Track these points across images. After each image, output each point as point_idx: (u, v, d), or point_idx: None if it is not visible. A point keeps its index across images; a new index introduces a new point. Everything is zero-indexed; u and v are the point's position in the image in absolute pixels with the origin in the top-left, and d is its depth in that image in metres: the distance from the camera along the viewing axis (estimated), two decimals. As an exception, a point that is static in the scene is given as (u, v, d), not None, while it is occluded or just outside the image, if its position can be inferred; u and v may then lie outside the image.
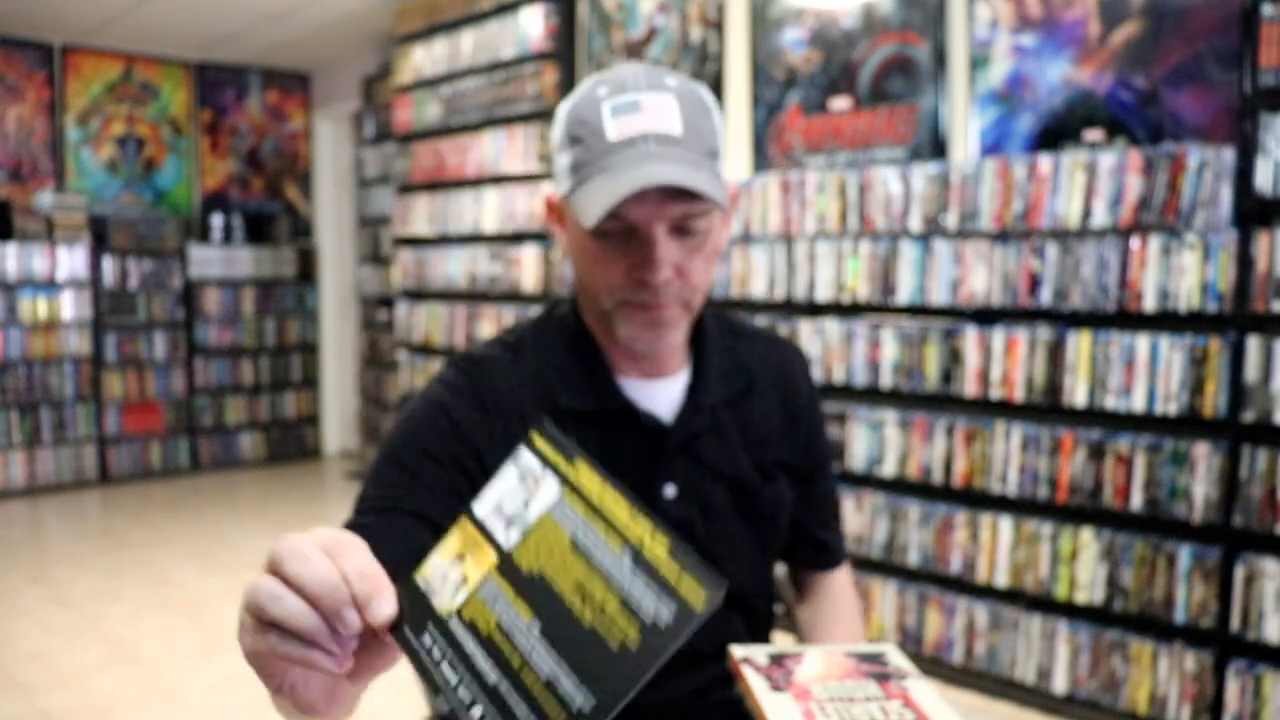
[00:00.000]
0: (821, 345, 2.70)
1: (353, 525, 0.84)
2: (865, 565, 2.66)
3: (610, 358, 0.92)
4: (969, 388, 2.41)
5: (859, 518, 2.64)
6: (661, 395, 0.92)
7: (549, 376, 0.91)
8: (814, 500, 1.03)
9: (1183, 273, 2.07)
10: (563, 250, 0.90)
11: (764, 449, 0.96)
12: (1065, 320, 2.27)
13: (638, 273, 0.81)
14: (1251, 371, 2.00)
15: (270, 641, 0.49)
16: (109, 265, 5.08)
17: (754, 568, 0.98)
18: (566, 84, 3.61)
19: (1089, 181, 2.20)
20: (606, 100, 0.80)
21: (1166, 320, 2.12)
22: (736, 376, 0.96)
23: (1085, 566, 2.23)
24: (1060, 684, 2.28)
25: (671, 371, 0.93)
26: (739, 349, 0.98)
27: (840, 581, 1.08)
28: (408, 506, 0.83)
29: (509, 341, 0.94)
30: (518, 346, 0.93)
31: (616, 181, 0.77)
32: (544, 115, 3.64)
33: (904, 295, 2.53)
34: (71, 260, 4.92)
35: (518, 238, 3.75)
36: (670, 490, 0.91)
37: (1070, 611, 2.28)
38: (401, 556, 0.84)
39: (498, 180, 3.82)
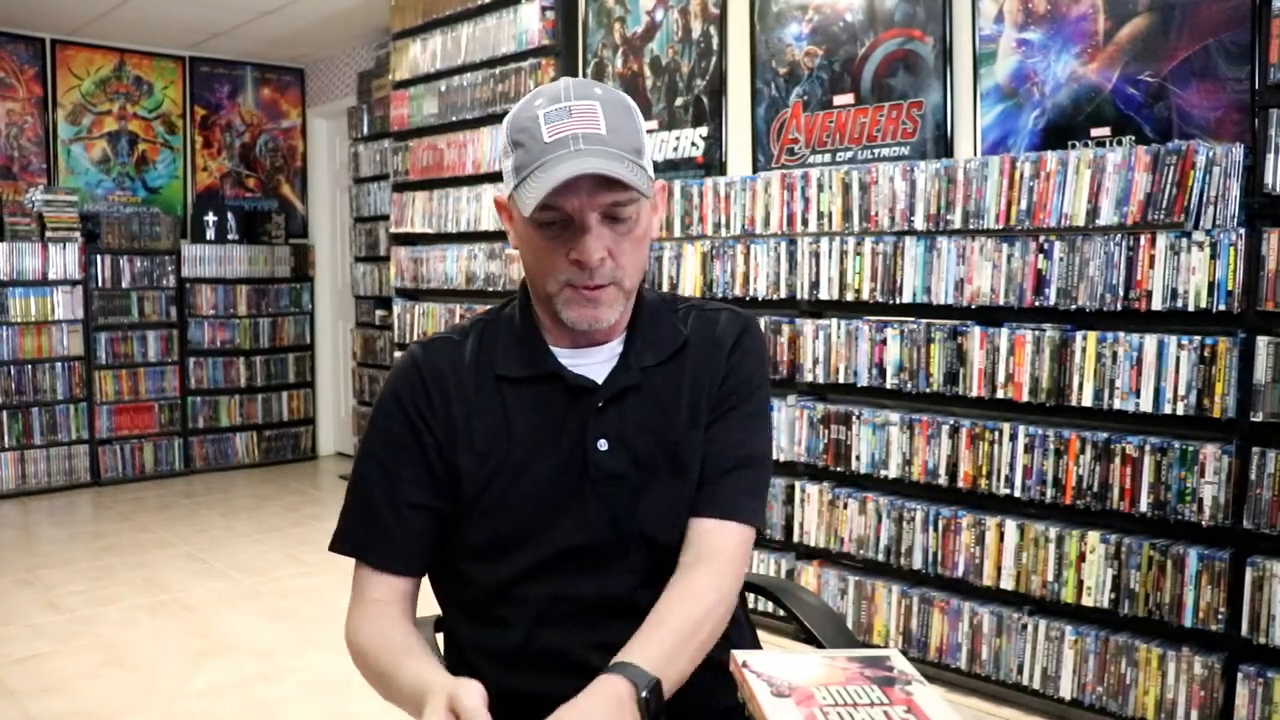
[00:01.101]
0: (825, 345, 2.67)
1: (373, 527, 1.01)
2: (868, 568, 2.63)
3: (547, 332, 1.04)
4: (974, 388, 2.38)
5: (862, 520, 2.61)
6: (594, 362, 1.03)
7: (493, 351, 1.04)
8: (711, 440, 1.03)
9: (1191, 271, 2.04)
10: (513, 244, 1.03)
11: (695, 401, 1.04)
12: (1072, 319, 2.25)
13: (575, 254, 0.94)
14: (1261, 371, 1.97)
15: None
16: (101, 264, 5.03)
17: (680, 517, 1.02)
18: (564, 80, 3.58)
19: (1096, 179, 2.17)
20: (541, 109, 0.93)
21: (1175, 319, 2.10)
22: (669, 342, 1.05)
23: (1092, 569, 2.20)
24: (1067, 689, 2.25)
25: (605, 341, 1.04)
26: (675, 320, 1.07)
27: (712, 534, 0.99)
28: (404, 499, 1.00)
29: (462, 327, 1.09)
30: (467, 330, 1.07)
31: (550, 174, 0.89)
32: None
33: (908, 294, 2.50)
34: (63, 258, 4.87)
35: (515, 236, 3.71)
36: (603, 444, 1.00)
37: (1077, 615, 2.25)
38: (419, 547, 1.02)
39: (495, 178, 3.78)
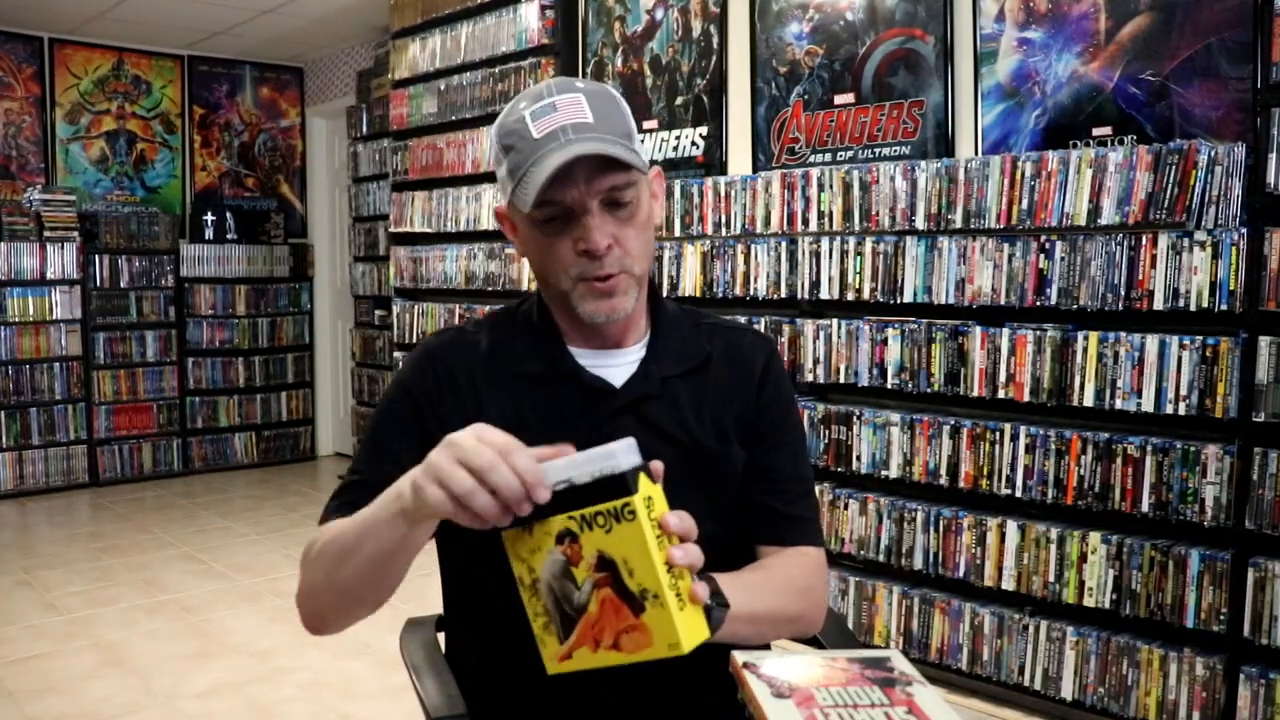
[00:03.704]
0: (825, 345, 2.67)
1: (344, 499, 0.98)
2: (869, 568, 2.63)
3: (566, 333, 1.03)
4: (975, 388, 2.37)
5: (862, 520, 2.60)
6: (615, 365, 1.03)
7: (509, 348, 1.03)
8: (765, 470, 1.05)
9: (1193, 271, 2.04)
10: (519, 253, 1.05)
11: (719, 418, 1.04)
12: (1073, 319, 2.24)
13: (581, 245, 0.94)
14: (1263, 371, 1.97)
15: (461, 516, 0.73)
16: (99, 263, 5.02)
17: (705, 529, 1.01)
18: (564, 80, 3.57)
19: (1097, 178, 2.16)
20: (527, 109, 0.94)
21: (1176, 319, 2.09)
22: (692, 354, 1.05)
23: (1093, 570, 2.19)
24: (1068, 690, 2.24)
25: (627, 345, 1.04)
26: (699, 335, 1.08)
27: (789, 556, 1.03)
28: (392, 464, 0.95)
29: (475, 321, 1.09)
30: (480, 325, 1.07)
31: (544, 165, 0.89)
32: (541, 111, 3.59)
33: (909, 294, 2.49)
34: (61, 258, 4.86)
35: (515, 236, 3.70)
36: None
37: (1078, 616, 2.24)
38: None
39: (495, 177, 3.77)
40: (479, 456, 0.72)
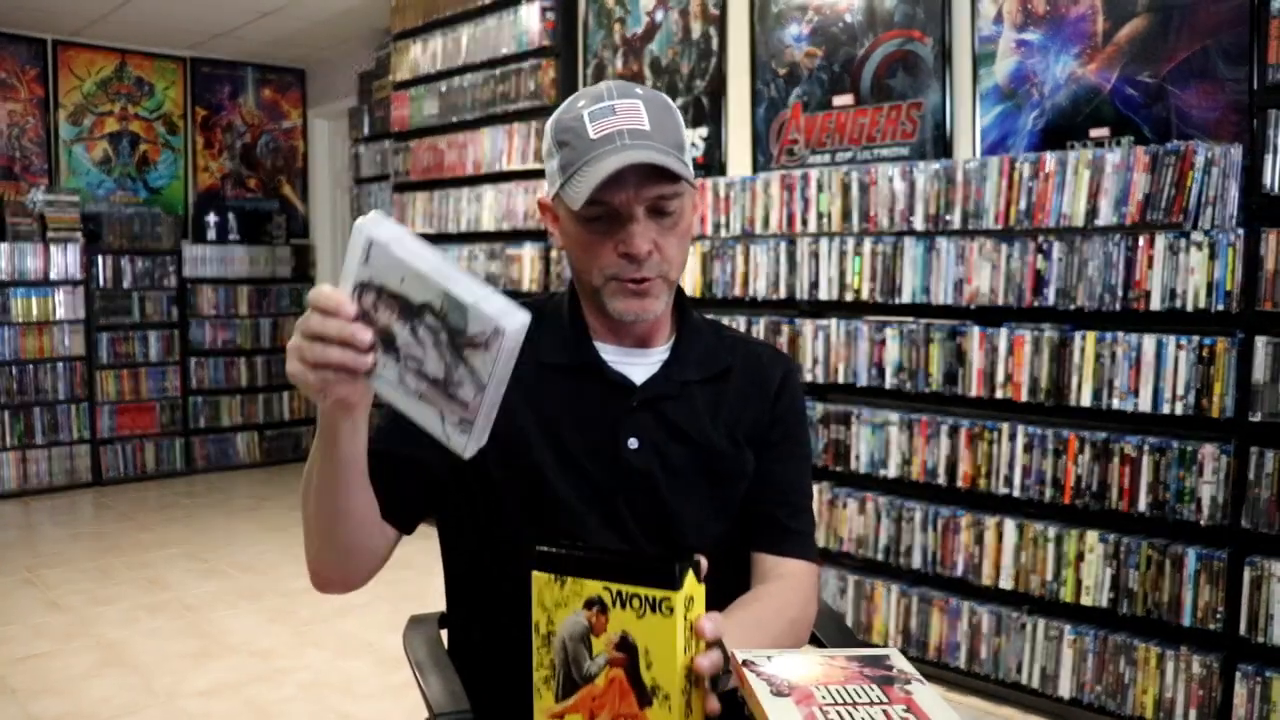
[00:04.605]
0: (824, 345, 2.67)
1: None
2: (868, 567, 2.63)
3: (594, 328, 1.05)
4: (973, 388, 2.38)
5: (861, 519, 2.61)
6: (639, 364, 1.05)
7: (537, 337, 1.03)
8: (772, 479, 1.08)
9: (1190, 272, 2.04)
10: (558, 245, 1.05)
11: (733, 424, 1.06)
12: (1071, 320, 2.25)
13: (623, 247, 0.96)
14: (1259, 371, 1.97)
15: (328, 376, 0.73)
16: (102, 264, 5.04)
17: (712, 528, 1.04)
18: (565, 80, 3.58)
19: (1095, 179, 2.17)
20: (586, 109, 0.96)
21: (1173, 320, 2.10)
22: (713, 363, 1.08)
23: (1091, 569, 2.20)
24: (1065, 688, 2.25)
25: (652, 346, 1.06)
26: (721, 345, 1.10)
27: (783, 581, 1.05)
28: (404, 452, 0.97)
29: None
30: None
31: (599, 167, 0.91)
32: (543, 112, 3.60)
33: (907, 294, 2.50)
34: (64, 259, 4.88)
35: (516, 236, 3.72)
36: (633, 442, 1.02)
37: (1076, 614, 2.25)
38: (402, 495, 0.99)
39: (496, 178, 3.79)
40: (309, 320, 0.73)
